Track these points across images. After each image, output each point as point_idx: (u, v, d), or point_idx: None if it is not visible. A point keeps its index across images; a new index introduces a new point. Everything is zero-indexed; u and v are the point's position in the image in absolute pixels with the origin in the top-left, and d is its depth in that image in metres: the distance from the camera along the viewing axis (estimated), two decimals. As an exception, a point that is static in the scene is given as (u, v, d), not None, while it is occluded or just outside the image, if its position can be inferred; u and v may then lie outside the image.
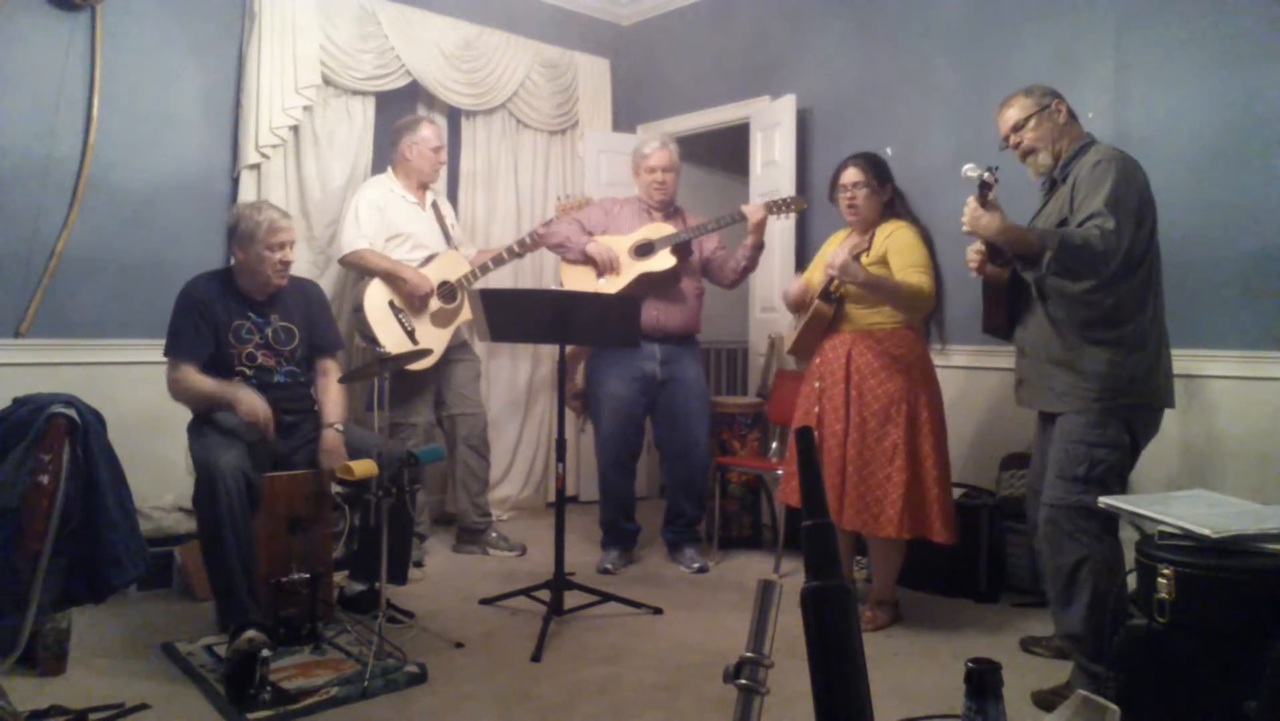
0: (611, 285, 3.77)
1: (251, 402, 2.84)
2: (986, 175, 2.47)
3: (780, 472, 3.82)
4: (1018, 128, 2.65)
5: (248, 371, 2.99)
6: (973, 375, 3.85)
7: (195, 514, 2.79)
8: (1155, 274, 2.52)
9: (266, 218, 2.97)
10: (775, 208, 3.69)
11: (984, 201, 2.47)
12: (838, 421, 3.05)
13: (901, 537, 2.97)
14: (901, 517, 2.93)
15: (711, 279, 3.97)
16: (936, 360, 3.18)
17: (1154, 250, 2.51)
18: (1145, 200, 2.47)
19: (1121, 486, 2.50)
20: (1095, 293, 2.42)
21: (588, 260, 3.82)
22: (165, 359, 2.98)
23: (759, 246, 3.78)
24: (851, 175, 3.14)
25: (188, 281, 3.04)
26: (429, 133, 3.93)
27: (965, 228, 2.51)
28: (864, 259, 2.98)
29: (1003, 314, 2.71)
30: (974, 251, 2.70)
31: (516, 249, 3.96)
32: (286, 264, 3.03)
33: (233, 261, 3.07)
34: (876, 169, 3.14)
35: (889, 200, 3.16)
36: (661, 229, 3.84)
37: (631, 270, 3.78)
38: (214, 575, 2.71)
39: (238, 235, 2.99)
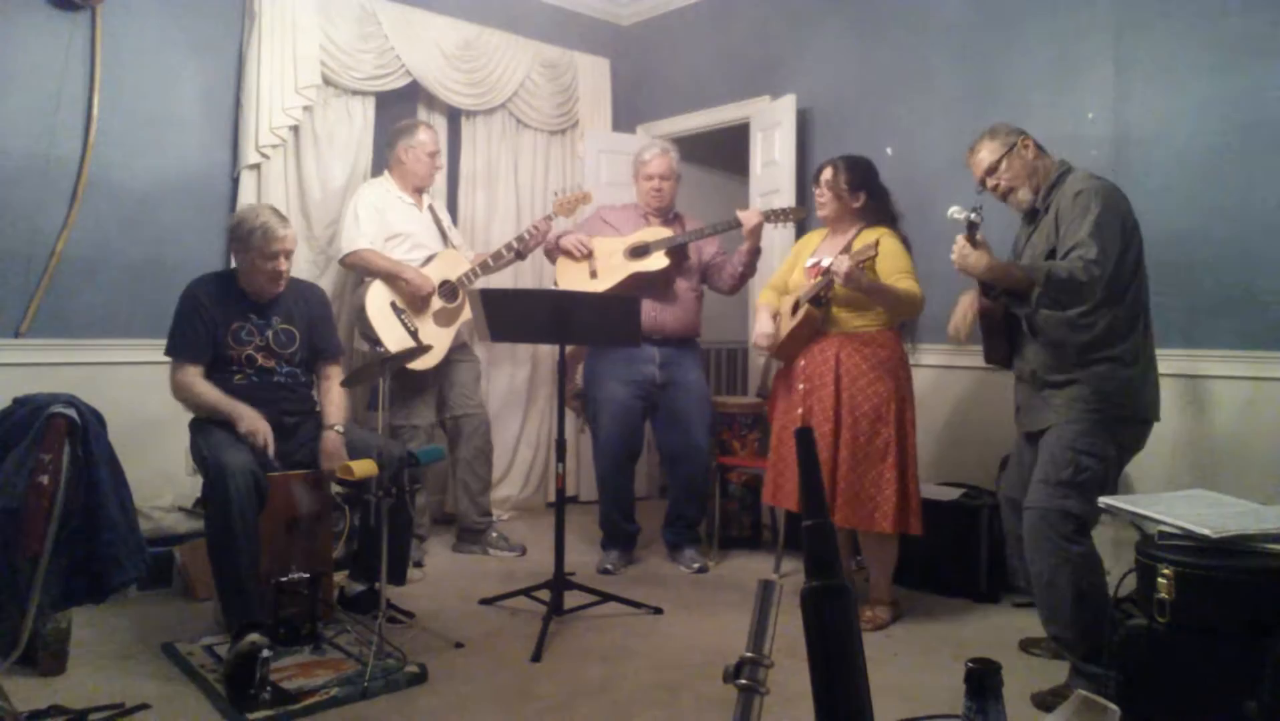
0: (603, 282, 3.78)
1: (253, 421, 2.85)
2: (973, 216, 2.56)
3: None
4: (991, 170, 2.71)
5: (248, 372, 2.99)
6: (971, 376, 3.85)
7: (204, 512, 2.79)
8: (1144, 294, 2.58)
9: (262, 224, 2.92)
10: (773, 217, 3.69)
11: (973, 240, 2.56)
12: (826, 422, 3.09)
13: (895, 532, 3.06)
14: (896, 513, 3.02)
15: (710, 285, 3.98)
16: (923, 360, 3.26)
17: (1141, 271, 2.57)
18: (1129, 225, 2.53)
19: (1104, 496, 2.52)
20: (1087, 316, 2.47)
21: (564, 251, 3.85)
22: (167, 359, 2.97)
23: (755, 252, 3.79)
24: (826, 175, 3.25)
25: (190, 282, 3.03)
26: (426, 137, 3.93)
27: (955, 266, 2.60)
28: (866, 266, 3.02)
29: (1004, 344, 2.77)
30: (963, 303, 2.81)
31: (515, 245, 3.95)
32: (280, 273, 2.99)
33: (234, 263, 3.05)
34: (852, 175, 3.21)
35: (860, 208, 3.23)
36: (658, 232, 3.84)
37: (624, 269, 3.78)
38: (221, 573, 2.71)
39: (235, 240, 2.97)
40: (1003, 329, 2.74)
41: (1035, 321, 2.55)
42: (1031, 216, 2.72)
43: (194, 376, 2.93)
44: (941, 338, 3.84)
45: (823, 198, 3.25)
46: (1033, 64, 3.67)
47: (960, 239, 2.58)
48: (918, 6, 4.10)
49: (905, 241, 3.19)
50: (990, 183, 2.73)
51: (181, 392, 2.94)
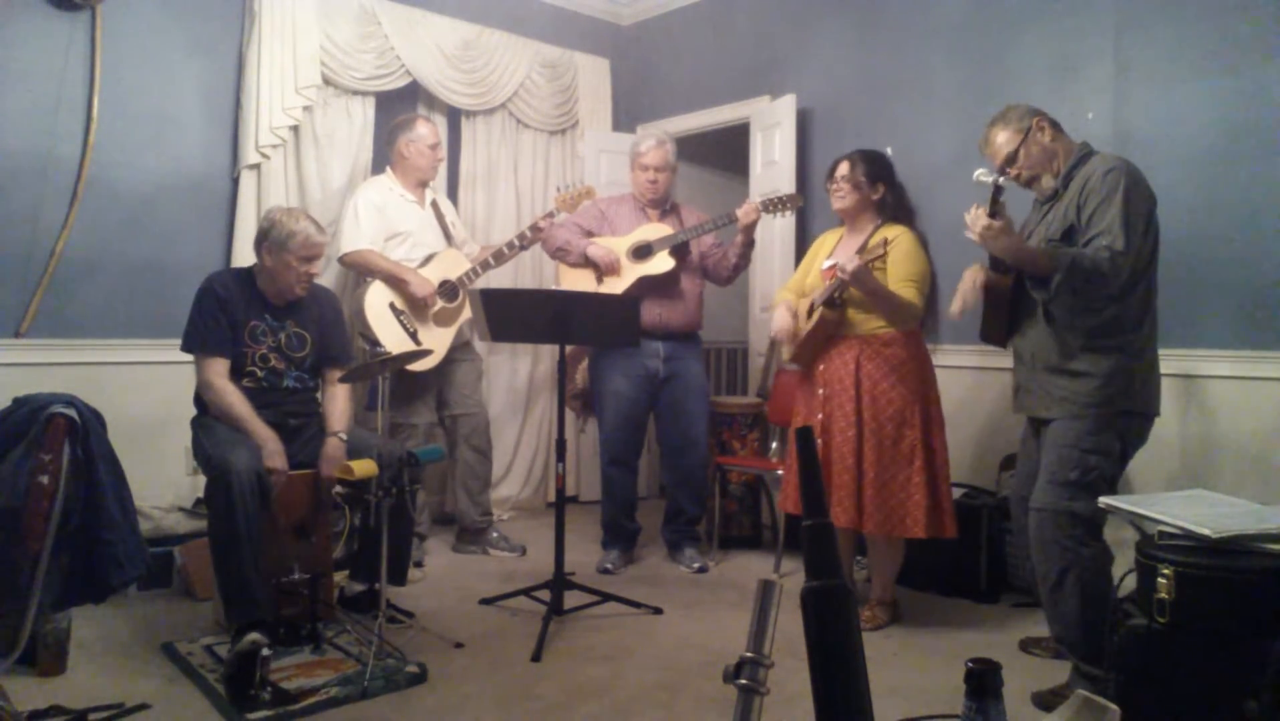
0: (610, 289, 3.78)
1: (277, 454, 2.85)
2: (1001, 180, 2.47)
3: (780, 473, 3.82)
4: (1010, 161, 2.63)
5: (259, 372, 3.00)
6: (972, 376, 3.85)
7: (207, 510, 2.79)
8: (1154, 284, 2.53)
9: (303, 229, 2.96)
10: (771, 206, 3.68)
11: (995, 210, 2.46)
12: (850, 428, 3.03)
13: (928, 538, 2.98)
14: (928, 518, 2.95)
15: (707, 276, 3.98)
16: (933, 361, 3.19)
17: (1155, 261, 2.52)
18: (1152, 212, 2.48)
19: (1110, 494, 2.46)
20: (1099, 302, 2.44)
21: (588, 263, 3.83)
22: (190, 355, 2.96)
23: (749, 244, 3.79)
24: (842, 169, 3.18)
25: (209, 276, 3.04)
26: (425, 130, 3.93)
27: (975, 240, 2.50)
28: (875, 266, 2.96)
29: (1004, 323, 2.70)
30: (969, 277, 2.68)
31: (517, 243, 3.94)
32: (313, 277, 3.04)
33: (255, 263, 3.06)
34: (869, 167, 3.16)
35: (879, 200, 3.16)
36: (659, 229, 3.84)
37: (631, 273, 3.78)
38: (223, 572, 2.70)
39: (269, 240, 2.97)
40: (1006, 306, 2.66)
41: (1053, 309, 2.50)
42: (1049, 199, 2.63)
43: (222, 377, 2.93)
44: (936, 336, 3.85)
45: (840, 190, 3.16)
46: (1033, 64, 3.66)
47: (978, 211, 2.48)
48: (918, 6, 4.10)
49: (923, 240, 3.11)
50: (1011, 173, 2.64)
51: (209, 393, 2.93)
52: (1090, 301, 2.44)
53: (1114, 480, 2.51)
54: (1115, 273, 2.36)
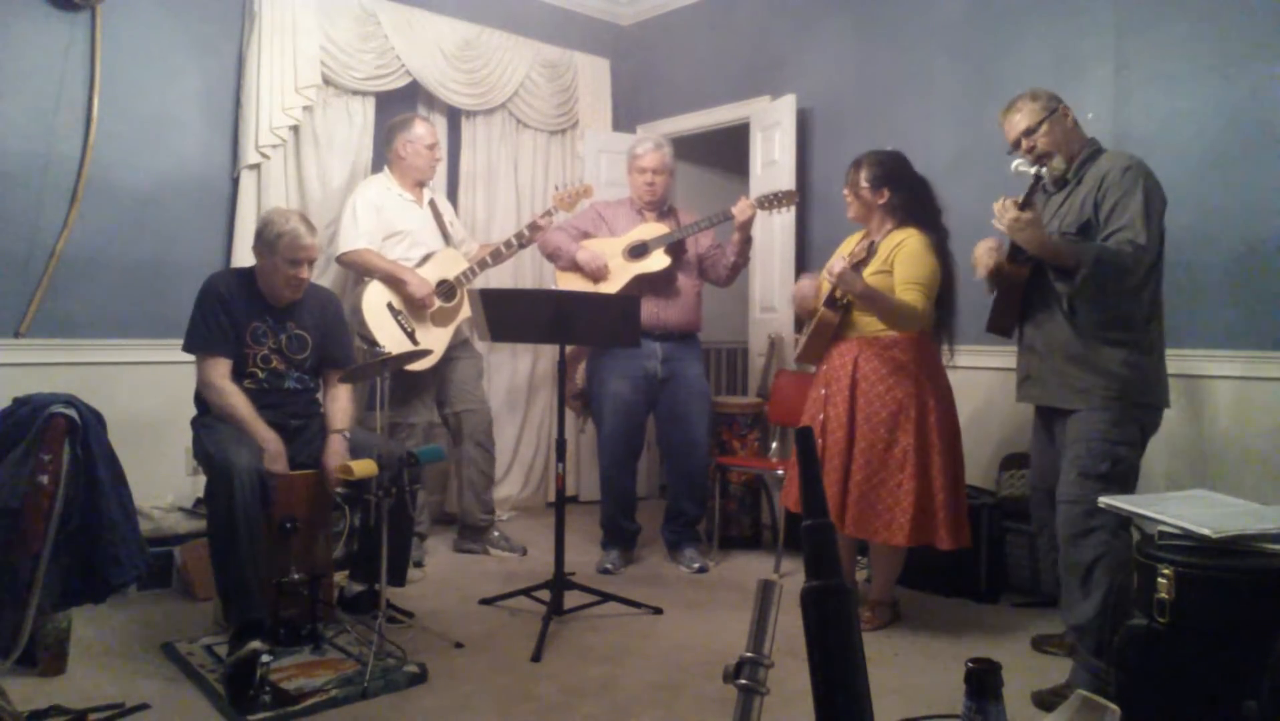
0: (608, 289, 3.78)
1: (280, 458, 2.85)
2: (1042, 170, 2.55)
3: (781, 473, 3.82)
4: (1029, 133, 2.68)
5: (260, 374, 3.00)
6: (972, 375, 3.85)
7: (207, 509, 2.78)
8: (1160, 284, 2.60)
9: (291, 229, 2.92)
10: (767, 202, 3.69)
11: (1028, 202, 2.50)
12: (840, 429, 2.99)
13: (910, 545, 2.94)
14: (912, 526, 2.88)
15: (706, 277, 3.98)
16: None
17: (1162, 260, 2.58)
18: (1163, 212, 2.54)
19: (1135, 483, 2.57)
20: (1117, 296, 2.50)
21: (577, 268, 3.84)
22: (192, 356, 2.95)
23: (746, 241, 3.79)
24: (850, 174, 3.13)
25: (211, 276, 3.04)
26: (422, 130, 3.93)
27: (1004, 230, 2.53)
28: (865, 269, 2.93)
29: (1016, 313, 2.73)
30: (985, 251, 2.70)
31: (515, 242, 3.95)
32: (300, 281, 2.99)
33: (256, 264, 3.05)
34: (873, 171, 3.05)
35: (886, 204, 3.05)
36: (655, 229, 3.85)
37: (626, 272, 3.78)
38: (223, 571, 2.69)
39: (261, 240, 2.96)
40: (1019, 297, 2.68)
41: (1077, 302, 2.54)
42: (1058, 186, 2.70)
43: (223, 377, 2.92)
44: (950, 338, 3.84)
45: (849, 199, 3.14)
46: (1033, 64, 3.66)
47: (1005, 199, 2.51)
48: (918, 6, 4.10)
49: (941, 241, 3.02)
50: (1026, 144, 2.68)
51: (210, 392, 2.93)
52: (1110, 295, 2.50)
53: (1137, 470, 2.58)
54: (1137, 266, 2.44)
